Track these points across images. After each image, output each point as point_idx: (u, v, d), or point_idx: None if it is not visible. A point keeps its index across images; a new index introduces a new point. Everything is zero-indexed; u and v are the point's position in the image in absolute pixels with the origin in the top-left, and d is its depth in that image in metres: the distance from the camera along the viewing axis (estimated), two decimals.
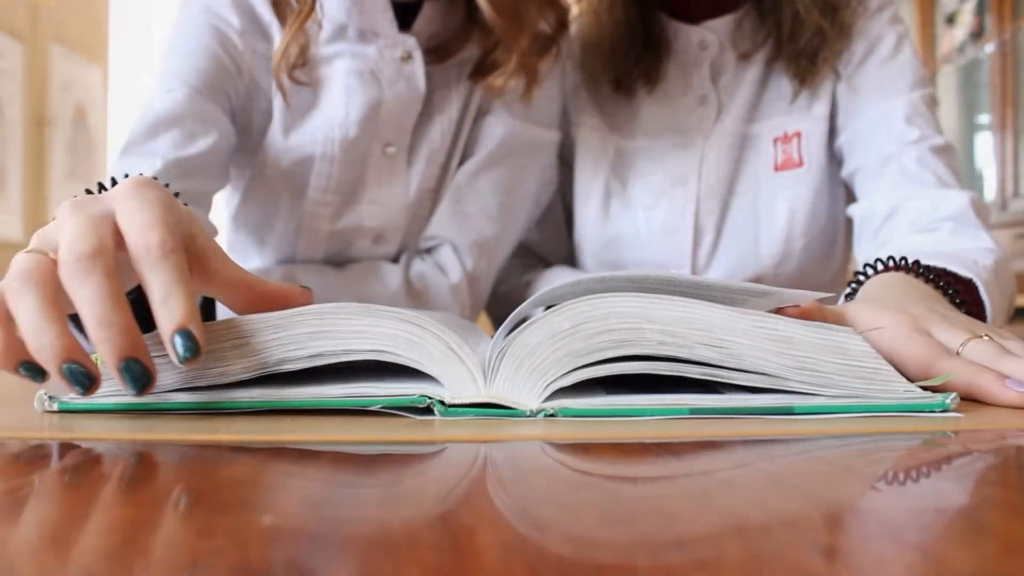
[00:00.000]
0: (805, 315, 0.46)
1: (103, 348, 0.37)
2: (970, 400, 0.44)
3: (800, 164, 0.91)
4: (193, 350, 0.38)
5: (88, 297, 0.38)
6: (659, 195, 0.93)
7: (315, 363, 0.40)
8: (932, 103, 0.88)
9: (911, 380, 0.42)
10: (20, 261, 0.39)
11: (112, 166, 0.78)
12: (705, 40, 0.93)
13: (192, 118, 0.79)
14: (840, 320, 0.49)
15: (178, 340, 0.38)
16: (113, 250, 0.39)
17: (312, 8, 0.79)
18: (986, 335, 0.48)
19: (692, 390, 0.41)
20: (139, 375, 0.38)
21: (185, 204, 0.47)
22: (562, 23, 0.91)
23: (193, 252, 0.43)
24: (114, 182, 0.58)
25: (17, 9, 3.49)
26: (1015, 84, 3.58)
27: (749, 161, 0.92)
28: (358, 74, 0.83)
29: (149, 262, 0.39)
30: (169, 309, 0.38)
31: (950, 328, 0.49)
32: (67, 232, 0.39)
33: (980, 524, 0.24)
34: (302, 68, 0.82)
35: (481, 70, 0.86)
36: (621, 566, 0.20)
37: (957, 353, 0.47)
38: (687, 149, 0.93)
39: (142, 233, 0.40)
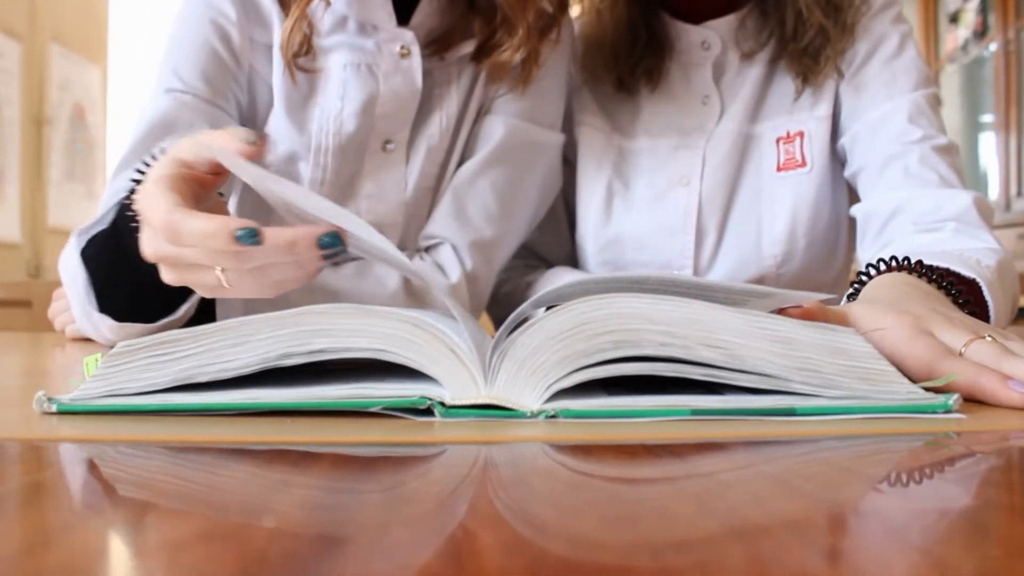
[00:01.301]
0: (807, 316, 0.45)
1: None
2: (973, 401, 0.44)
3: (803, 164, 0.90)
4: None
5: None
6: (661, 195, 0.93)
7: (316, 358, 0.40)
8: (936, 103, 0.88)
9: (913, 381, 0.42)
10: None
11: (116, 166, 0.79)
12: (708, 40, 0.93)
13: (190, 119, 0.79)
14: (842, 321, 0.49)
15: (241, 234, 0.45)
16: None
17: None
18: (989, 336, 0.47)
19: (693, 391, 0.41)
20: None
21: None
22: (563, 4, 0.91)
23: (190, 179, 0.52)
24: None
25: (15, 8, 3.49)
26: (1019, 83, 3.58)
27: (752, 161, 0.92)
28: (355, 67, 0.84)
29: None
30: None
31: (953, 329, 0.48)
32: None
33: (983, 526, 0.24)
34: (306, 56, 0.82)
35: (485, 51, 0.86)
36: (622, 567, 0.20)
37: (960, 354, 0.46)
38: (689, 149, 0.93)
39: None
